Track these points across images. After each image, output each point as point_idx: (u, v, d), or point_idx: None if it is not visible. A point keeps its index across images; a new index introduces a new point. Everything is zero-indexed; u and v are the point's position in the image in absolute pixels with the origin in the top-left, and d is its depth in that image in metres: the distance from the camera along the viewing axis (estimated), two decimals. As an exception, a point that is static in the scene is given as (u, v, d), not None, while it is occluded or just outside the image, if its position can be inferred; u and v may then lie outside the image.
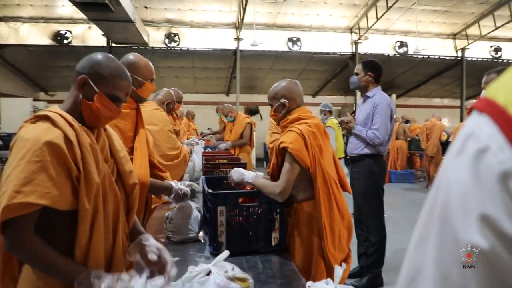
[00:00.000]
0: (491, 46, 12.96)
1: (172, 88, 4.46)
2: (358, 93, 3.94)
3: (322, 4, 10.60)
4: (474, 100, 13.79)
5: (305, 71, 13.11)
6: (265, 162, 11.79)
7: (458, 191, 0.37)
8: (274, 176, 2.04)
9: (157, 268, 1.26)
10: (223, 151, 5.10)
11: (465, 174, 0.36)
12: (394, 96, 13.53)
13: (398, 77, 13.81)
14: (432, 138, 8.57)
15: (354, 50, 12.10)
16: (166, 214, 2.08)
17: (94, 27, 10.37)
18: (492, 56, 13.00)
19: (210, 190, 1.92)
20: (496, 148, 0.35)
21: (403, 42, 12.35)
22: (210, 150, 5.19)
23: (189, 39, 11.56)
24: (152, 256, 1.25)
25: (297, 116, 2.05)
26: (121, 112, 1.34)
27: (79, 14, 9.15)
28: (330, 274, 1.82)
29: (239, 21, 10.76)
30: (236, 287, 1.28)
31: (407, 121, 10.28)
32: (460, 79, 13.01)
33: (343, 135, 6.14)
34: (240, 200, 1.94)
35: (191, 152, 3.37)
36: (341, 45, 12.14)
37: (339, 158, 4.43)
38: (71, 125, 1.16)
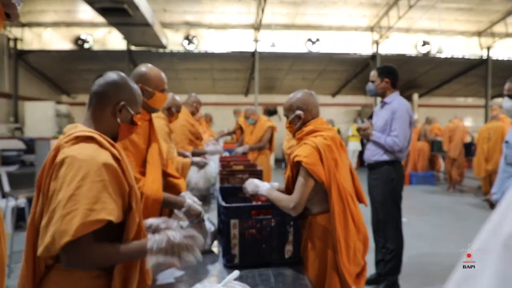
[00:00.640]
0: (519, 44, 12.52)
1: (193, 94, 4.49)
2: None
3: (342, 4, 10.45)
4: (499, 99, 13.39)
5: (325, 71, 12.98)
6: (283, 164, 11.74)
7: None
8: (289, 189, 2.01)
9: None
10: (240, 155, 5.02)
11: None
12: (416, 95, 13.25)
13: (420, 77, 13.51)
14: (454, 140, 8.37)
15: (375, 50, 11.90)
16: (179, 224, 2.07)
17: (114, 31, 10.58)
18: (520, 54, 12.57)
19: (224, 204, 1.92)
20: None
21: (426, 41, 12.07)
22: (228, 154, 5.19)
23: (208, 41, 11.62)
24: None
25: (313, 129, 2.02)
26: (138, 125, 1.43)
27: (99, 18, 9.33)
28: (344, 288, 1.81)
29: (258, 22, 10.74)
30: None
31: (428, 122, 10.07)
32: (485, 78, 12.62)
33: (361, 141, 6.06)
34: (253, 211, 1.93)
35: (203, 166, 3.24)
36: (362, 44, 11.95)
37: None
38: (112, 145, 1.26)
